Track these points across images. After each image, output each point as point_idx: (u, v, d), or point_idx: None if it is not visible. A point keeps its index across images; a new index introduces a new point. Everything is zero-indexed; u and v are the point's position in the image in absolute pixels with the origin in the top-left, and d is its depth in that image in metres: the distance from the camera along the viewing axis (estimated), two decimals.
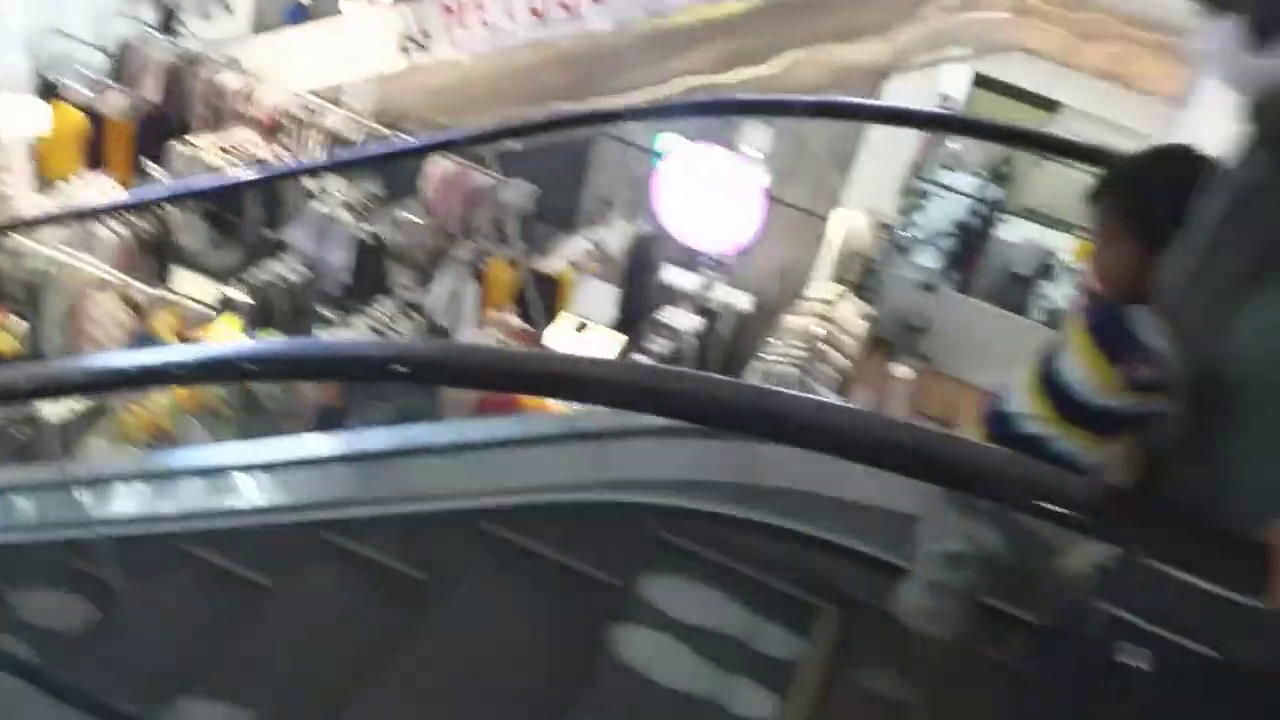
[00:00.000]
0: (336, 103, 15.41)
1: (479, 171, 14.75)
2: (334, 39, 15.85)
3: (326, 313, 14.06)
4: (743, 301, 14.79)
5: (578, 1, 14.08)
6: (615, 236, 15.33)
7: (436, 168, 14.81)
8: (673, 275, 14.71)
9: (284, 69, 15.85)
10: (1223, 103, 2.86)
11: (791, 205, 14.82)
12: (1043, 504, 2.59)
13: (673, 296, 14.60)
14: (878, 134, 14.36)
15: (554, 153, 14.75)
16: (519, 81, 15.23)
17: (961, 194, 17.57)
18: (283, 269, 14.27)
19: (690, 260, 14.70)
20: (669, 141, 14.45)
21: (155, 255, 14.18)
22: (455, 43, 15.13)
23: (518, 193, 14.87)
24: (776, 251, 15.03)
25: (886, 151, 14.80)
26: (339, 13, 15.80)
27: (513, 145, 11.51)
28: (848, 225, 14.80)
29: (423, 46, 15.39)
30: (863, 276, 14.97)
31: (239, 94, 15.51)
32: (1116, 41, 12.70)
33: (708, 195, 14.08)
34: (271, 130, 15.41)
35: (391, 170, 15.06)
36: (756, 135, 13.87)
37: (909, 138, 15.25)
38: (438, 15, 15.00)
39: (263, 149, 15.06)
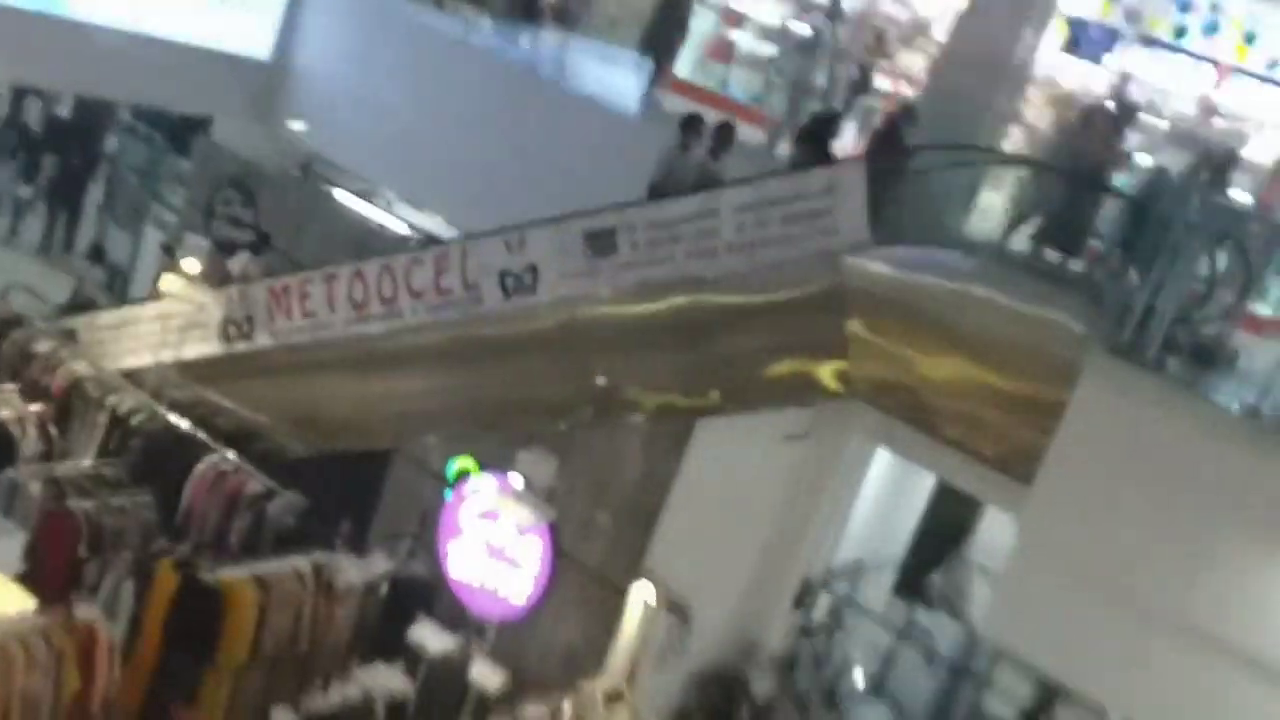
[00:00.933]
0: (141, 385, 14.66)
1: (253, 477, 13.68)
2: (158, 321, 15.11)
3: None
4: (492, 680, 12.83)
5: (396, 296, 13.00)
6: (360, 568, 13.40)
7: (206, 465, 13.73)
8: (425, 634, 13.11)
9: (105, 345, 15.30)
10: None
11: (581, 566, 12.93)
12: None
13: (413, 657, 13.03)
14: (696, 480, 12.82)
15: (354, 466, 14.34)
16: None
17: None
18: None
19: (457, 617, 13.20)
20: (462, 468, 13.51)
21: None
22: (275, 333, 14.02)
23: (283, 507, 13.60)
24: (563, 625, 13.20)
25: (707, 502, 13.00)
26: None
27: None
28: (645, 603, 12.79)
29: (244, 334, 14.34)
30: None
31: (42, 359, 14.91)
32: None
33: (492, 542, 13.04)
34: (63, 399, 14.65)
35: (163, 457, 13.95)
36: (539, 468, 12.55)
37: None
38: (264, 300, 14.03)
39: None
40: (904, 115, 12.88)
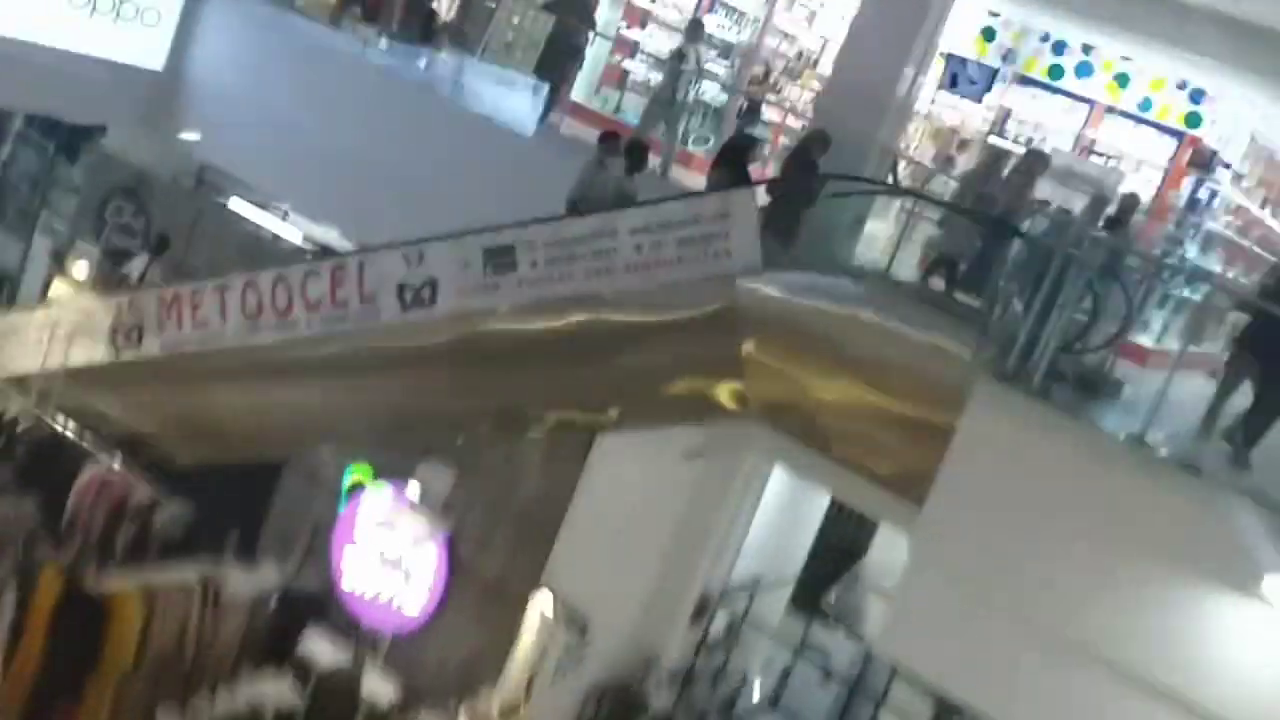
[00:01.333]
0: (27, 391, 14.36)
1: (141, 485, 13.60)
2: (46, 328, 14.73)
3: None
4: (384, 692, 12.87)
5: (291, 307, 12.79)
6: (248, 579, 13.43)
7: (93, 473, 13.70)
8: (316, 646, 13.09)
9: None
10: None
11: (479, 578, 13.09)
12: None
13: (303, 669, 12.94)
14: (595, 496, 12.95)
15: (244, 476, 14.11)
16: None
17: None
18: None
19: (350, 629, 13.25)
20: (361, 479, 13.63)
21: None
22: (164, 342, 13.70)
23: (170, 516, 13.55)
24: (459, 637, 13.17)
25: (605, 517, 13.13)
26: None
27: None
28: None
29: (133, 342, 14.02)
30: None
31: None
32: None
33: (387, 553, 13.28)
34: None
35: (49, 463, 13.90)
36: (436, 480, 12.73)
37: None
38: (154, 308, 13.73)
39: None
40: (817, 140, 13.10)
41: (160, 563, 13.13)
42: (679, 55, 16.30)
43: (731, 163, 13.12)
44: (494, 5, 17.22)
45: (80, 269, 15.34)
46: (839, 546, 16.68)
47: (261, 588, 13.54)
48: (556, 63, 16.10)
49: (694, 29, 17.00)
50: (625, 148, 13.21)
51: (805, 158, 13.02)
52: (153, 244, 15.09)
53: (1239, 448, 10.21)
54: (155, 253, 15.00)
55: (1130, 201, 14.60)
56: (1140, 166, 18.46)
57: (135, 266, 15.04)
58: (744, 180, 12.52)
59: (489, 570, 13.13)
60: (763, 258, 11.05)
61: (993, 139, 18.87)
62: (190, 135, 15.88)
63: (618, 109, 18.46)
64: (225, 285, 13.01)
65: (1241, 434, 10.32)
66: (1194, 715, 8.71)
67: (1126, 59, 18.41)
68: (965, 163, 17.19)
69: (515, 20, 16.82)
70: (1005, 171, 14.27)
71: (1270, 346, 10.30)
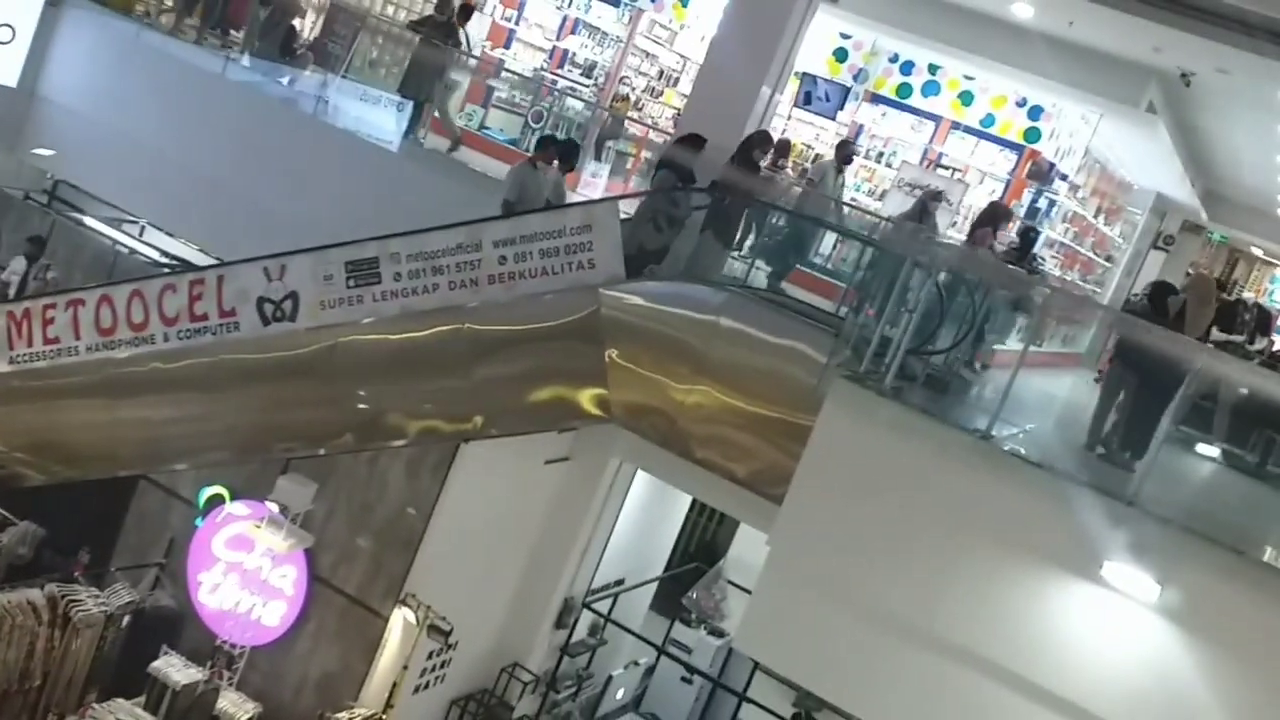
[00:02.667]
0: None
1: None
2: None
3: None
4: (242, 710, 12.82)
5: (147, 321, 12.71)
6: (100, 599, 13.30)
7: None
8: (169, 667, 12.85)
9: None
10: None
11: (340, 591, 12.81)
12: None
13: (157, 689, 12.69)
14: (458, 504, 12.97)
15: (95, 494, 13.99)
16: None
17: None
18: None
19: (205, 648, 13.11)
20: (214, 495, 13.68)
21: None
22: (13, 359, 13.49)
23: (17, 536, 13.64)
24: (320, 652, 13.15)
25: (469, 525, 13.27)
26: None
27: None
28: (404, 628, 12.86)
29: None
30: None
31: None
32: None
33: (245, 568, 13.23)
34: None
35: None
36: (297, 493, 12.65)
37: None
38: (3, 325, 13.50)
39: None
40: (759, 138, 13.31)
41: (7, 584, 12.98)
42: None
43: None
44: (359, 25, 17.35)
45: None
46: (700, 547, 17.12)
47: (114, 608, 13.37)
48: (421, 81, 16.32)
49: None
50: (560, 151, 13.41)
51: (747, 156, 13.08)
52: (34, 248, 14.86)
53: (1115, 453, 10.64)
54: (33, 259, 14.78)
55: (934, 193, 15.25)
56: (984, 179, 19.23)
57: (14, 270, 14.77)
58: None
59: (350, 582, 13.15)
60: (703, 260, 11.59)
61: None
62: (43, 151, 15.73)
63: (482, 126, 18.73)
64: (78, 300, 12.88)
65: (1118, 440, 10.76)
66: (1043, 698, 9.07)
67: (970, 78, 19.20)
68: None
69: (379, 40, 16.98)
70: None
71: (1142, 360, 10.65)
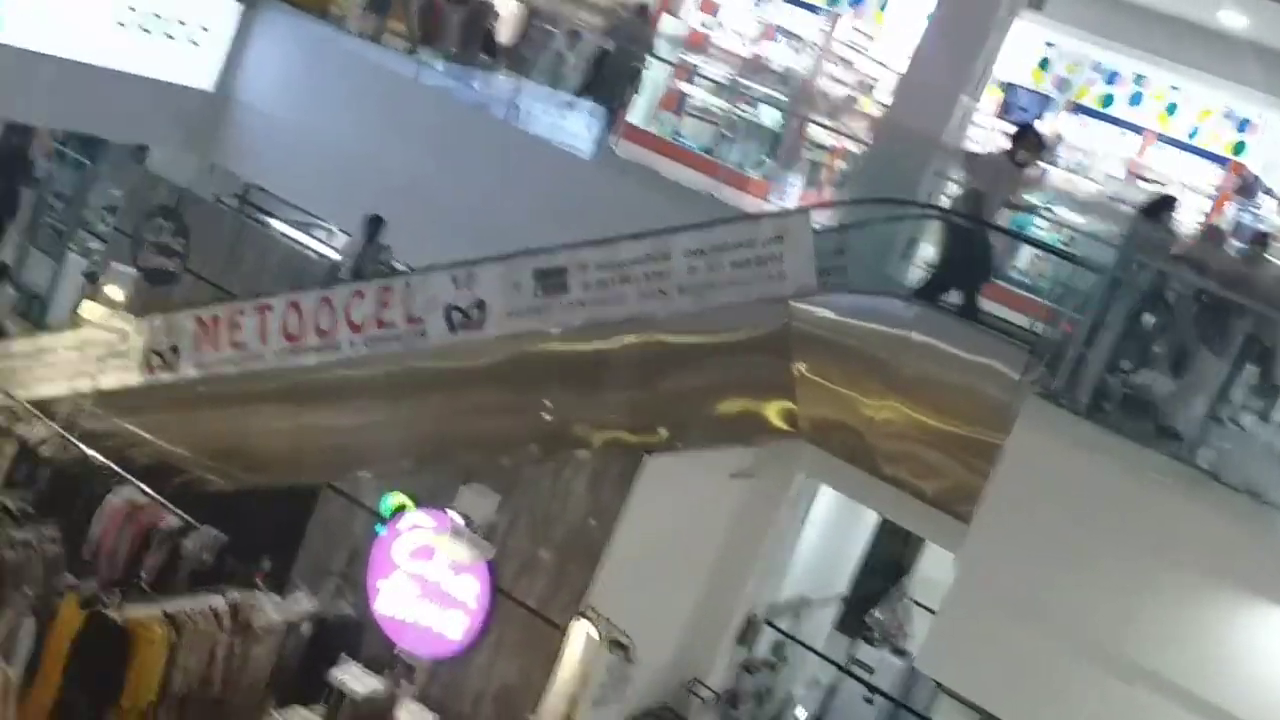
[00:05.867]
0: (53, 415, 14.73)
1: (169, 511, 13.87)
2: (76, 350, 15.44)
3: None
4: None
5: (334, 328, 13.39)
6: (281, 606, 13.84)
7: (119, 498, 13.92)
8: (348, 675, 13.44)
9: (18, 373, 15.49)
10: None
11: (521, 604, 13.38)
12: None
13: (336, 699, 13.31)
14: (641, 517, 13.29)
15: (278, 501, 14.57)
16: None
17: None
18: None
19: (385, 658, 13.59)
20: (397, 504, 13.91)
21: None
22: (201, 364, 14.30)
23: (199, 543, 13.85)
24: (499, 665, 13.59)
25: (652, 539, 13.62)
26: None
27: None
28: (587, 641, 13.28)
29: (168, 364, 14.57)
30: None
31: None
32: None
33: (427, 579, 13.60)
34: None
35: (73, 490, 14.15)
36: (480, 504, 13.09)
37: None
38: (192, 329, 14.31)
39: None
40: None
41: (189, 590, 13.41)
42: None
43: None
44: (552, 29, 18.05)
45: (114, 290, 15.78)
46: (885, 565, 17.27)
47: (294, 616, 13.84)
48: (612, 86, 16.96)
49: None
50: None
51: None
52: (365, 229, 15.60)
53: None
54: (371, 237, 15.51)
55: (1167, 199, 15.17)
56: (1186, 192, 19.26)
57: (347, 252, 15.56)
58: None
59: (531, 595, 13.54)
60: None
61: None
62: (237, 155, 16.53)
63: (675, 133, 19.18)
64: (266, 305, 13.54)
65: None
66: None
67: (1175, 89, 19.35)
68: None
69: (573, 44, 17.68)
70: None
71: None
